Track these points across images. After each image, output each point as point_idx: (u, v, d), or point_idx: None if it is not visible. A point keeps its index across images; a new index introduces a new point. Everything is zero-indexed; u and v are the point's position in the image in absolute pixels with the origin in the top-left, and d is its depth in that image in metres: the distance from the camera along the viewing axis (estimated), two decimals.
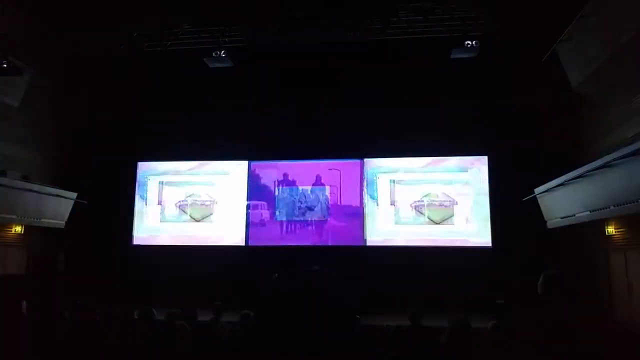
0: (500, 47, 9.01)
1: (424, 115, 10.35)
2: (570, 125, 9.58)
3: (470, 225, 10.26)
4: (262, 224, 10.98)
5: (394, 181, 10.74)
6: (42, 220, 9.47)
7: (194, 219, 11.21)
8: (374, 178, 10.81)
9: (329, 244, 10.70)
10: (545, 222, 8.90)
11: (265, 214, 11.03)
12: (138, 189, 11.44)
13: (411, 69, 10.02)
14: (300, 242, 10.75)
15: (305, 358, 1.21)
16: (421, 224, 10.46)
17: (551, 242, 9.27)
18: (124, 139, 11.28)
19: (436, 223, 10.43)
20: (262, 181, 11.20)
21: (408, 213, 10.56)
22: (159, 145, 11.28)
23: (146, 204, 11.40)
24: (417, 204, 10.55)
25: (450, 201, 10.46)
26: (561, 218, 8.34)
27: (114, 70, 10.79)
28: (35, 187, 9.09)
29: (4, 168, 8.85)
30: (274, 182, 11.13)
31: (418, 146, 10.56)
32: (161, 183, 11.45)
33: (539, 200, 8.87)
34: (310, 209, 10.89)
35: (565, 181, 7.66)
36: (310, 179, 11.00)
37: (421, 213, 10.52)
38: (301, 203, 10.94)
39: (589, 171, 6.95)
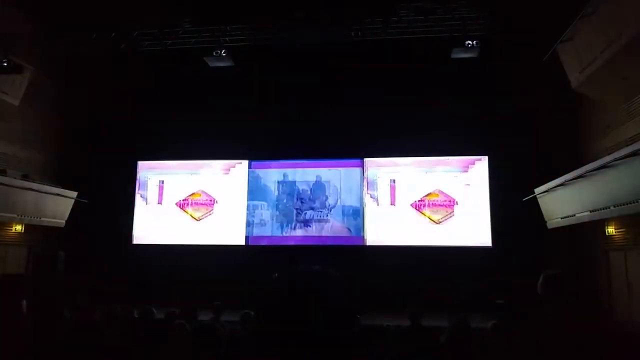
0: (501, 47, 9.03)
1: (424, 115, 10.35)
2: (570, 125, 9.58)
3: (470, 225, 10.26)
4: (262, 223, 10.97)
5: (394, 181, 10.74)
6: (42, 219, 9.49)
7: (194, 218, 11.22)
8: (374, 178, 10.81)
9: (329, 244, 10.69)
10: (545, 222, 8.90)
11: (266, 213, 11.02)
12: (138, 188, 11.45)
13: (411, 69, 10.03)
14: (300, 242, 10.75)
15: (306, 358, 1.21)
16: (421, 224, 10.47)
17: (551, 242, 9.27)
18: (124, 139, 11.28)
19: (436, 223, 10.44)
20: (262, 181, 11.19)
21: (408, 213, 10.57)
22: (159, 145, 11.27)
23: (146, 204, 11.40)
24: (417, 204, 10.57)
25: (450, 201, 10.47)
26: (561, 218, 8.34)
27: (114, 70, 10.81)
28: (36, 186, 9.10)
29: (4, 167, 8.86)
30: (274, 182, 11.13)
31: (418, 146, 10.54)
32: (161, 182, 11.46)
33: (539, 201, 8.87)
34: (311, 208, 10.89)
35: (565, 181, 7.67)
36: (310, 178, 11.01)
37: (421, 213, 10.53)
38: (301, 203, 10.94)
39: (589, 171, 6.96)
